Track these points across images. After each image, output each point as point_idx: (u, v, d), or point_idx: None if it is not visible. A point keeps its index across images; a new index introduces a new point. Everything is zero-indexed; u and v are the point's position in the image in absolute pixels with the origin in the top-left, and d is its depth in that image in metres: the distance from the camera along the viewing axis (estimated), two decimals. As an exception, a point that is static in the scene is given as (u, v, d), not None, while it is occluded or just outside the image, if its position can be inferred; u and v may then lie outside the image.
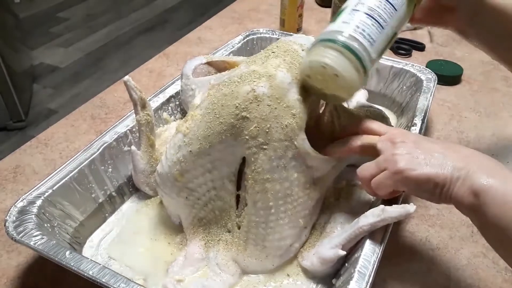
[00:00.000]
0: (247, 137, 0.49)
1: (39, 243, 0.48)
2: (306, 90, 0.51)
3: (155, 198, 0.63)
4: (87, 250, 0.57)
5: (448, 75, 0.91)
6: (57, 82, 2.31)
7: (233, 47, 0.87)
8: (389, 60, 0.82)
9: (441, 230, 0.61)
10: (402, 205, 0.48)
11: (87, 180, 0.59)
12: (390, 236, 0.50)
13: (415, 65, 0.81)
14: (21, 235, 0.49)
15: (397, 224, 0.62)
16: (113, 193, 0.62)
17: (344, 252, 0.49)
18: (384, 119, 0.63)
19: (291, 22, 1.08)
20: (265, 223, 0.51)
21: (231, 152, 0.50)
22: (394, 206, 0.49)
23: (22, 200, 0.52)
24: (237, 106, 0.48)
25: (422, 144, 0.46)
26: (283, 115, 0.48)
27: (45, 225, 0.52)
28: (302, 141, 0.50)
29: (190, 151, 0.51)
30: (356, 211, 0.58)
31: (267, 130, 0.48)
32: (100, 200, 0.61)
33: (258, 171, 0.50)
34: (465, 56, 1.03)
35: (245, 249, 0.53)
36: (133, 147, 0.60)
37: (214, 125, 0.49)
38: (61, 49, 2.62)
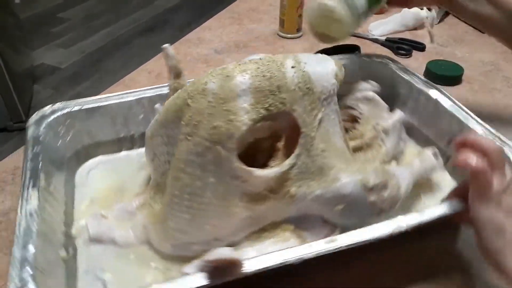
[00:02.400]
0: (183, 122, 0.50)
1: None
2: (267, 109, 0.49)
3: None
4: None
5: (448, 75, 0.91)
6: (57, 82, 2.31)
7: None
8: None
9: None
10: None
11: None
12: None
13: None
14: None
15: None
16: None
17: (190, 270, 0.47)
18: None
19: (290, 23, 1.08)
20: (169, 207, 0.52)
21: (175, 133, 0.52)
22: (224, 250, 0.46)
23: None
24: (188, 93, 0.49)
25: None
26: (217, 116, 0.47)
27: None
28: (229, 150, 0.48)
29: (157, 119, 0.54)
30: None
31: (195, 123, 0.48)
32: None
33: (177, 158, 0.50)
34: (466, 56, 1.03)
35: (155, 223, 0.54)
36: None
37: (171, 104, 0.51)
38: (61, 49, 2.62)
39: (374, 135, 0.61)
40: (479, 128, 0.61)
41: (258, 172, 0.49)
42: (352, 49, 0.88)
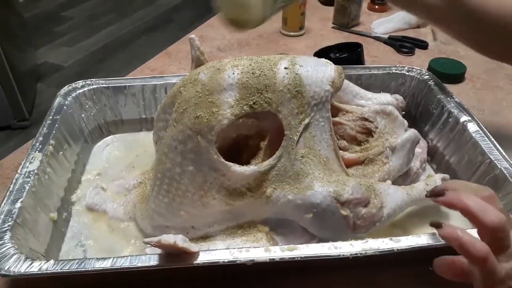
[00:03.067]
0: (173, 108, 0.51)
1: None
2: (251, 107, 0.49)
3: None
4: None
5: (451, 73, 0.91)
6: (60, 81, 2.32)
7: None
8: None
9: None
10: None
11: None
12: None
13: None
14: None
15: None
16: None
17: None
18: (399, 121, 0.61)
19: (293, 21, 1.08)
20: (152, 189, 0.53)
21: (169, 118, 0.54)
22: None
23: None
24: (183, 81, 0.52)
25: None
26: (201, 107, 0.48)
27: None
28: (208, 141, 0.48)
29: (161, 103, 0.57)
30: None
31: (181, 111, 0.49)
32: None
33: (163, 142, 0.52)
34: (468, 54, 1.02)
35: (141, 202, 0.56)
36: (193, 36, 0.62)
37: (171, 90, 0.54)
38: (65, 48, 2.63)
39: (380, 151, 0.58)
40: (503, 162, 0.57)
41: (236, 167, 0.49)
42: (354, 46, 0.88)
